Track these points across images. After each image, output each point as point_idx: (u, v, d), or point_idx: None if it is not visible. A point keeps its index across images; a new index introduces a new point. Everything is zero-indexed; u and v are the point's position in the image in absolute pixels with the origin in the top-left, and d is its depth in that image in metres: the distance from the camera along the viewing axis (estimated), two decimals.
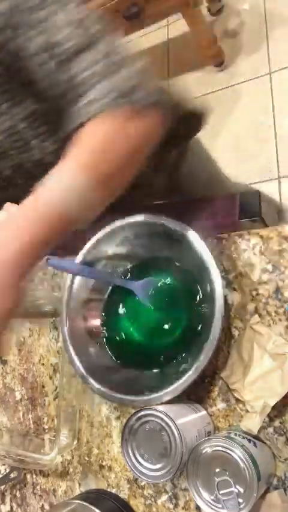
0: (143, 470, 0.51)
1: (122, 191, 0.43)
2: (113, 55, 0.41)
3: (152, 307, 0.62)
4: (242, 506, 0.45)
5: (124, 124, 0.40)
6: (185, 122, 0.48)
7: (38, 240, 0.38)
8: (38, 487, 0.70)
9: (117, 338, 0.65)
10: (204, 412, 0.57)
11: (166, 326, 0.62)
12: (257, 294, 0.58)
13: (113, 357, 0.63)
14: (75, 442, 0.68)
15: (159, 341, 0.62)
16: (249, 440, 0.50)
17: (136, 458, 0.52)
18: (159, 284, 0.62)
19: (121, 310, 0.65)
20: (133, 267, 0.66)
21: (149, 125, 0.42)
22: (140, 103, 0.40)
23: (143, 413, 0.52)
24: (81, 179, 0.38)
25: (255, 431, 0.51)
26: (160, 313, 0.62)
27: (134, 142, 0.41)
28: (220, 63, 1.77)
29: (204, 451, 0.48)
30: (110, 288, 0.66)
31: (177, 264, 0.62)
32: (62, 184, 0.38)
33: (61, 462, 0.69)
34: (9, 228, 0.37)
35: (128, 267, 0.66)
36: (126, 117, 0.40)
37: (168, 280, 0.63)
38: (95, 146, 0.39)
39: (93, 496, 0.62)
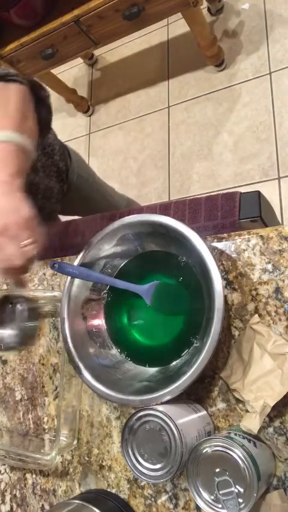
0: (143, 470, 0.51)
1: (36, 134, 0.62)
2: None
3: (155, 309, 0.62)
4: (242, 506, 0.45)
5: (4, 87, 0.61)
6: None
7: (18, 167, 0.55)
8: (38, 487, 0.70)
9: (118, 338, 0.65)
10: (204, 412, 0.57)
11: (167, 326, 0.62)
12: (257, 294, 0.58)
13: (119, 351, 0.63)
14: (75, 442, 0.68)
15: (160, 340, 0.62)
16: (249, 440, 0.50)
17: (136, 458, 0.52)
18: (162, 286, 0.62)
19: (122, 310, 0.65)
20: (132, 266, 0.66)
21: (18, 87, 0.62)
22: (4, 78, 0.61)
23: (143, 413, 0.52)
24: (14, 128, 0.56)
25: (255, 431, 0.51)
26: (161, 314, 0.63)
27: (19, 95, 0.61)
28: (220, 63, 1.77)
29: (204, 451, 0.48)
30: (109, 287, 0.66)
31: (177, 263, 0.62)
32: (11, 136, 0.56)
33: (61, 462, 0.69)
34: None
35: (127, 265, 0.66)
36: (2, 85, 0.61)
37: (170, 282, 0.63)
38: (8, 106, 0.58)
39: (93, 496, 0.62)
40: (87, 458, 0.67)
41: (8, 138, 0.55)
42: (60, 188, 1.02)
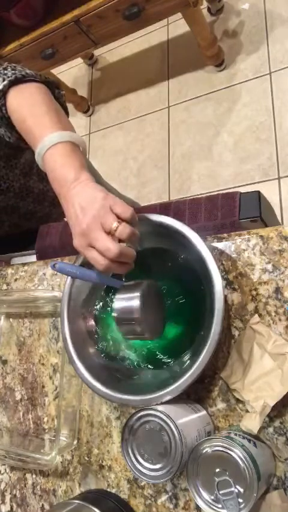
0: (143, 470, 0.51)
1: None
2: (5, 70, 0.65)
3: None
4: (242, 506, 0.45)
5: (26, 88, 0.64)
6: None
7: (80, 162, 0.56)
8: (38, 487, 0.70)
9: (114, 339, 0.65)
10: (204, 412, 0.57)
11: (167, 326, 0.62)
12: (257, 294, 0.58)
13: (104, 357, 0.63)
14: (75, 442, 0.68)
15: (160, 341, 0.62)
16: (249, 440, 0.50)
17: (136, 458, 0.52)
18: (161, 287, 0.62)
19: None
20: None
21: (37, 86, 0.65)
22: (23, 79, 0.64)
23: (143, 413, 0.52)
24: (58, 127, 0.58)
25: (255, 431, 0.51)
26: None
27: (43, 94, 0.64)
28: (220, 63, 1.77)
29: (204, 451, 0.48)
30: (105, 288, 0.66)
31: (176, 263, 0.62)
32: (61, 135, 0.57)
33: (61, 462, 0.69)
34: (62, 165, 0.55)
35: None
36: (24, 86, 0.64)
37: (170, 283, 0.63)
38: (40, 107, 0.61)
39: (93, 496, 0.62)
40: (87, 458, 0.67)
41: (61, 139, 0.56)
42: None
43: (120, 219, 0.51)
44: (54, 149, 0.56)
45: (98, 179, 1.15)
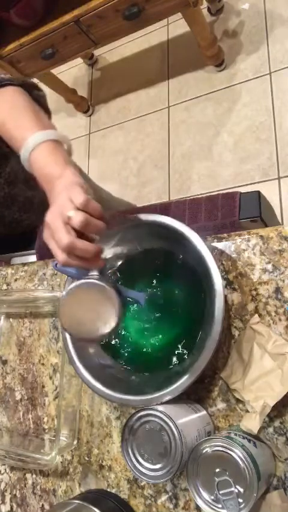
0: (143, 470, 0.51)
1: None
2: None
3: (155, 313, 0.62)
4: (242, 506, 0.45)
5: (3, 92, 0.65)
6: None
7: (64, 159, 0.56)
8: (38, 487, 0.70)
9: (115, 340, 0.65)
10: (204, 412, 0.57)
11: (166, 327, 0.62)
12: (257, 294, 0.58)
13: (112, 358, 0.63)
14: (75, 442, 0.68)
15: (160, 341, 0.62)
16: (249, 440, 0.50)
17: (136, 458, 0.52)
18: (160, 292, 0.62)
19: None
20: (132, 265, 0.66)
21: (14, 89, 0.66)
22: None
23: (143, 413, 0.52)
24: (38, 127, 0.58)
25: (255, 431, 0.51)
26: (161, 316, 0.62)
27: (21, 96, 0.65)
28: (220, 63, 1.76)
29: (204, 451, 0.48)
30: None
31: (176, 263, 0.62)
32: (43, 135, 0.57)
33: (61, 462, 0.69)
34: (48, 164, 0.56)
35: (126, 264, 0.66)
36: (0, 91, 0.65)
37: (170, 283, 0.62)
38: (18, 109, 0.62)
39: (93, 496, 0.62)
40: (87, 458, 0.67)
41: (43, 138, 0.56)
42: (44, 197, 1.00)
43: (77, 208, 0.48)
44: (38, 149, 0.56)
45: (84, 177, 1.15)
